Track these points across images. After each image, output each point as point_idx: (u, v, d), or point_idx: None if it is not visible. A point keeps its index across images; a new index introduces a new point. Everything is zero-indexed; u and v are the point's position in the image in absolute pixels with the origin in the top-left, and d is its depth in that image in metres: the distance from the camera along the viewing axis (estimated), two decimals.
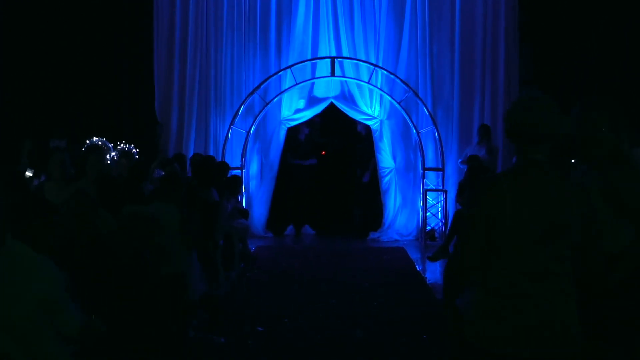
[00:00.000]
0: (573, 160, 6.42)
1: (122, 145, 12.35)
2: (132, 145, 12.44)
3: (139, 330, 5.95)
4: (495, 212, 3.45)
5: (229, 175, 11.91)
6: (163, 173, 10.27)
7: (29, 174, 10.32)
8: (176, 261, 7.01)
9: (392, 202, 14.21)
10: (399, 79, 13.81)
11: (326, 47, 14.18)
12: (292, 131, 14.53)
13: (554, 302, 3.48)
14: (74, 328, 4.43)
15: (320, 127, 15.51)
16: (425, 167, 13.85)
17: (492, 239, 3.49)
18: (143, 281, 6.16)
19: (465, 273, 3.61)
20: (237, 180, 12.04)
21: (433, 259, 11.08)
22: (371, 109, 14.09)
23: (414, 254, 12.65)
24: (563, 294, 3.50)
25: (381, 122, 14.12)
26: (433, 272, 11.20)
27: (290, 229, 14.77)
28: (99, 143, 12.03)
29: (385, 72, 13.86)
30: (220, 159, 13.52)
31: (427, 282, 10.41)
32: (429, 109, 13.80)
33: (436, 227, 13.94)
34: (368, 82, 13.79)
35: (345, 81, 14.08)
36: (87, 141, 12.19)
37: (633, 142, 4.38)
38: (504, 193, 3.45)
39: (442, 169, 13.81)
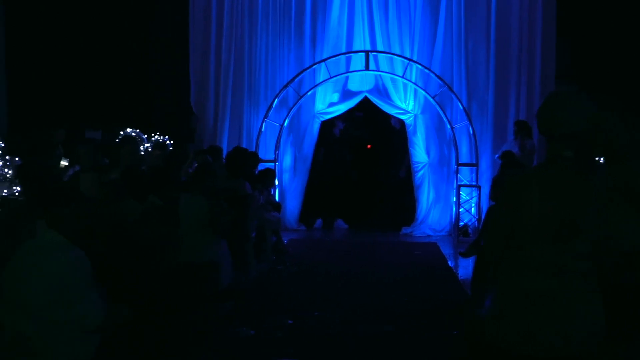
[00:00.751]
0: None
1: (155, 136, 12.41)
2: (167, 136, 12.49)
3: (165, 319, 5.97)
4: (521, 207, 3.42)
5: (262, 168, 11.94)
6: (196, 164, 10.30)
7: (64, 163, 10.40)
8: (205, 251, 7.02)
9: (425, 197, 14.16)
10: (434, 73, 13.73)
11: (361, 41, 14.13)
12: (328, 126, 14.53)
13: (574, 299, 3.43)
14: (95, 319, 4.46)
15: (362, 122, 15.51)
16: (459, 162, 13.76)
17: (515, 234, 3.46)
18: (163, 270, 6.19)
19: (487, 268, 3.59)
20: (271, 173, 12.05)
21: (465, 255, 10.91)
22: (405, 103, 14.03)
23: (446, 250, 12.59)
24: (583, 292, 3.46)
25: (415, 116, 14.05)
26: (465, 267, 11.11)
27: (320, 223, 14.76)
28: (133, 134, 12.10)
29: (419, 66, 13.79)
30: (254, 152, 13.55)
31: (459, 278, 10.34)
32: (464, 104, 13.71)
33: (469, 223, 13.85)
34: (402, 77, 13.73)
35: (380, 75, 14.03)
36: (121, 132, 12.27)
37: None
38: (531, 188, 3.42)
39: (476, 165, 13.72)
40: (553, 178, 3.46)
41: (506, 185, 3.57)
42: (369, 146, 15.49)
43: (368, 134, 15.67)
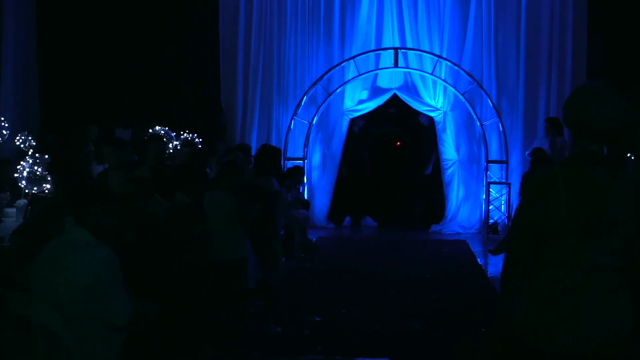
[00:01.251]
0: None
1: (185, 134, 12.47)
2: (195, 134, 12.55)
3: (194, 316, 6.00)
4: (548, 203, 3.36)
5: (290, 166, 11.94)
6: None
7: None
8: (232, 248, 7.03)
9: (455, 194, 14.09)
10: (463, 70, 13.65)
11: (390, 38, 14.09)
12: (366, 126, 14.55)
13: (603, 297, 3.37)
14: (123, 318, 4.50)
15: (395, 119, 15.47)
16: (489, 159, 13.67)
17: (542, 230, 3.41)
18: (191, 267, 6.21)
19: (516, 265, 3.55)
20: (299, 171, 12.04)
21: (495, 252, 10.88)
22: (434, 100, 13.96)
23: (475, 247, 12.52)
24: (613, 290, 3.39)
25: (444, 113, 13.99)
26: (495, 265, 11.04)
27: (348, 220, 14.75)
28: (161, 132, 12.17)
29: (449, 63, 13.71)
30: (282, 149, 13.57)
31: (488, 275, 10.28)
32: (493, 101, 13.62)
33: (499, 221, 13.75)
34: (431, 74, 13.67)
35: (409, 72, 13.98)
36: (150, 130, 12.34)
37: None
38: (558, 184, 3.36)
39: (506, 162, 13.62)
40: (581, 173, 3.40)
41: (532, 180, 3.51)
42: (398, 143, 15.46)
43: (399, 131, 15.62)
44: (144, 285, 5.11)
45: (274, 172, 10.14)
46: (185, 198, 6.53)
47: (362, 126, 14.77)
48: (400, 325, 7.69)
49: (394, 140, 15.70)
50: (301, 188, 13.37)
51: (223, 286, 6.82)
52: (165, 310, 5.18)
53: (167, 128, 12.37)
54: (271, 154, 10.08)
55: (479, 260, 11.44)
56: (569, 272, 3.36)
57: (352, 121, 14.46)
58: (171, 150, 11.70)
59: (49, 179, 8.68)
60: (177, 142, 12.17)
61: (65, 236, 4.62)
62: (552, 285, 3.39)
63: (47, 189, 8.55)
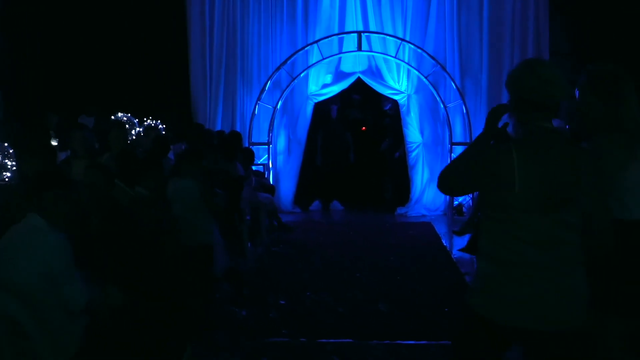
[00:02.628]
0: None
1: (148, 120, 12.40)
2: (159, 120, 12.48)
3: (162, 302, 5.99)
4: (506, 179, 3.39)
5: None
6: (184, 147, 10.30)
7: (54, 143, 10.41)
8: (199, 234, 7.03)
9: (420, 177, 14.14)
10: (427, 53, 13.69)
11: (353, 22, 14.08)
12: (324, 108, 14.53)
13: (562, 271, 3.43)
14: (78, 302, 4.50)
15: (359, 104, 15.49)
16: (453, 141, 13.74)
17: (498, 206, 3.45)
18: (162, 253, 6.20)
19: (444, 181, 3.68)
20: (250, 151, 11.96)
21: (459, 233, 10.96)
22: (398, 83, 13.98)
23: (441, 229, 12.60)
24: (571, 264, 3.45)
25: (408, 96, 14.01)
26: (459, 246, 11.10)
27: (317, 205, 14.77)
28: (124, 119, 12.09)
29: (412, 46, 13.74)
30: (247, 134, 13.56)
31: (453, 257, 10.36)
32: (457, 84, 13.68)
33: (464, 202, 13.85)
34: (395, 57, 13.69)
35: (373, 56, 13.99)
36: (112, 117, 12.26)
37: None
38: (513, 160, 3.39)
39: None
40: (539, 149, 3.43)
41: (487, 158, 3.53)
42: (363, 128, 15.48)
43: (365, 116, 15.64)
44: (109, 271, 5.10)
45: (237, 156, 10.17)
46: (144, 191, 6.49)
47: (337, 110, 14.76)
48: (365, 307, 7.75)
49: (360, 126, 15.70)
50: (266, 173, 13.40)
51: (191, 272, 6.81)
52: (133, 297, 5.18)
53: (129, 114, 12.28)
54: (234, 139, 10.09)
55: (444, 241, 11.52)
56: (527, 247, 3.40)
57: (327, 106, 14.46)
58: (134, 137, 11.64)
59: (9, 167, 8.61)
60: (140, 129, 12.09)
61: (22, 223, 4.61)
62: (510, 260, 3.43)
63: (7, 177, 8.48)
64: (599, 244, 3.60)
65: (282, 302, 7.91)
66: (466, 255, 10.42)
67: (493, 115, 3.73)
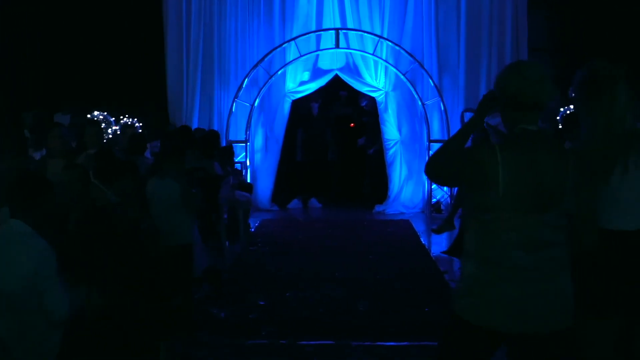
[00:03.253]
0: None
1: (124, 119, 12.30)
2: (135, 119, 12.37)
3: (142, 304, 5.93)
4: (491, 180, 3.36)
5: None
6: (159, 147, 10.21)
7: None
8: (179, 234, 6.96)
9: (398, 174, 14.11)
10: (404, 50, 13.66)
11: (330, 19, 14.03)
12: (303, 106, 14.48)
13: (549, 273, 3.41)
14: (60, 312, 4.41)
15: (345, 101, 15.41)
16: (431, 138, 13.75)
17: (483, 207, 3.42)
18: (142, 254, 6.13)
19: (431, 169, 3.66)
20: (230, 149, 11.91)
21: (438, 231, 10.93)
22: (376, 80, 13.96)
23: (419, 227, 12.59)
24: (558, 265, 3.44)
25: (386, 93, 13.99)
26: (438, 244, 11.14)
27: (295, 203, 14.72)
28: (100, 117, 11.97)
29: (390, 43, 13.72)
30: (224, 132, 13.48)
31: (432, 255, 10.35)
32: (435, 81, 13.68)
33: (442, 200, 13.87)
34: (373, 54, 13.67)
35: (350, 53, 13.95)
36: (88, 115, 12.13)
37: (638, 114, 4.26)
38: (498, 160, 3.36)
39: None
40: (523, 150, 3.40)
41: (474, 155, 3.48)
42: (352, 125, 15.40)
43: (352, 112, 15.57)
44: (87, 273, 5.03)
45: (215, 155, 10.11)
46: (115, 196, 6.42)
47: (318, 107, 14.70)
48: (345, 307, 7.72)
49: (347, 122, 15.64)
50: (244, 171, 13.33)
51: (170, 273, 6.74)
52: (112, 298, 5.11)
53: (105, 113, 12.16)
54: (213, 138, 10.04)
55: (422, 239, 11.51)
56: (513, 249, 3.38)
57: (308, 103, 14.40)
58: (111, 136, 11.54)
59: None
60: (117, 127, 11.99)
61: (3, 229, 4.50)
62: (495, 262, 3.40)
63: None
64: (583, 246, 3.59)
65: (262, 302, 7.86)
66: (443, 255, 10.43)
67: (486, 100, 3.69)
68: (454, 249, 9.94)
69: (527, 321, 3.39)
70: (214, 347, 6.48)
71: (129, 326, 5.55)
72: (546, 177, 3.38)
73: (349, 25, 13.91)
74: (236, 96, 13.82)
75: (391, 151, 14.05)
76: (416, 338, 6.68)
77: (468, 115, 12.27)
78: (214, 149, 9.92)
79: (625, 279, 3.97)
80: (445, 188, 13.70)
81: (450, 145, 3.63)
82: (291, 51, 13.89)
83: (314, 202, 14.82)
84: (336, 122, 15.29)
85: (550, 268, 3.42)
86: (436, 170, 3.66)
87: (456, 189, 12.71)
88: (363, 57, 13.89)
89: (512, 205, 3.36)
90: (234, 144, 13.14)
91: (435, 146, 13.57)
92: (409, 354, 6.32)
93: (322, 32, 13.92)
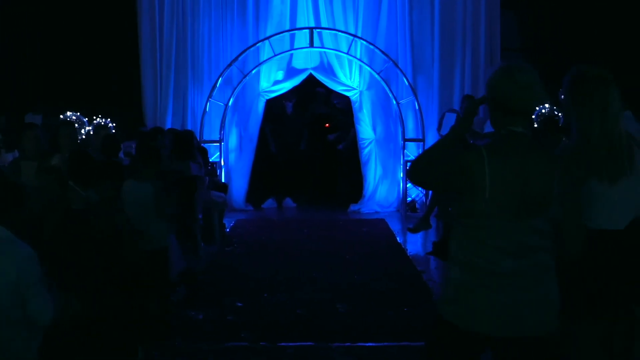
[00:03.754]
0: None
1: (97, 119, 12.17)
2: (109, 119, 12.25)
3: (119, 308, 5.86)
4: (474, 183, 3.34)
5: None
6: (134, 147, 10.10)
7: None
8: (156, 238, 6.90)
9: (373, 173, 14.11)
10: (379, 49, 13.66)
11: (305, 18, 14.00)
12: (277, 107, 14.41)
13: (535, 278, 3.40)
14: (46, 316, 4.35)
15: (325, 98, 15.32)
16: (406, 137, 13.75)
17: (469, 212, 3.40)
18: (120, 258, 6.06)
19: (415, 174, 3.64)
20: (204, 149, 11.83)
21: (414, 230, 10.94)
22: (351, 79, 13.94)
23: (394, 226, 12.59)
24: (544, 270, 3.43)
25: (361, 93, 13.97)
26: (414, 243, 11.16)
27: (270, 202, 14.67)
28: (73, 117, 11.83)
29: (364, 42, 13.71)
30: (198, 132, 13.39)
31: (408, 254, 10.34)
32: (409, 80, 13.68)
33: (417, 199, 13.88)
34: (347, 53, 13.65)
35: (324, 52, 13.92)
36: (61, 116, 11.98)
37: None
38: (484, 165, 3.34)
39: (423, 140, 13.72)
40: (510, 154, 3.38)
41: (459, 160, 3.43)
42: (327, 125, 15.33)
43: (330, 110, 15.50)
44: (65, 278, 4.95)
45: (191, 156, 10.03)
46: (95, 196, 6.34)
47: (293, 106, 14.63)
48: (324, 308, 7.69)
49: (324, 121, 15.57)
50: (218, 171, 13.25)
51: (147, 277, 6.67)
52: (89, 304, 5.04)
53: (78, 113, 12.01)
54: (188, 138, 9.96)
55: (398, 238, 11.51)
56: (498, 254, 3.36)
57: (282, 102, 14.33)
58: (84, 136, 11.41)
59: None
60: (90, 128, 11.85)
61: None
62: (481, 268, 3.39)
63: None
64: (568, 251, 3.59)
65: (239, 304, 7.80)
66: (421, 253, 10.45)
67: (471, 108, 3.66)
68: (438, 250, 9.97)
69: (512, 325, 3.39)
70: (192, 351, 6.42)
71: (106, 332, 5.50)
72: (533, 182, 3.36)
73: (323, 25, 13.89)
74: (210, 95, 13.73)
75: (366, 150, 14.04)
76: (396, 338, 6.68)
77: (449, 116, 12.34)
78: (189, 149, 9.84)
79: (616, 278, 3.99)
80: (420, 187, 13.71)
81: (435, 151, 3.59)
82: (265, 50, 13.83)
83: (288, 202, 14.77)
84: (313, 121, 15.16)
85: (536, 273, 3.40)
86: (420, 175, 3.64)
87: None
88: (337, 57, 13.87)
89: (498, 210, 3.34)
90: (208, 144, 13.06)
91: (411, 145, 13.62)
92: (389, 354, 6.30)
93: (296, 32, 13.88)
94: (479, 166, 3.34)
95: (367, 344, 6.54)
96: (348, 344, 6.54)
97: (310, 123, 15.02)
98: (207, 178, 10.85)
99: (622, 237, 4.02)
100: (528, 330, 3.41)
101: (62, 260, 5.17)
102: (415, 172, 3.62)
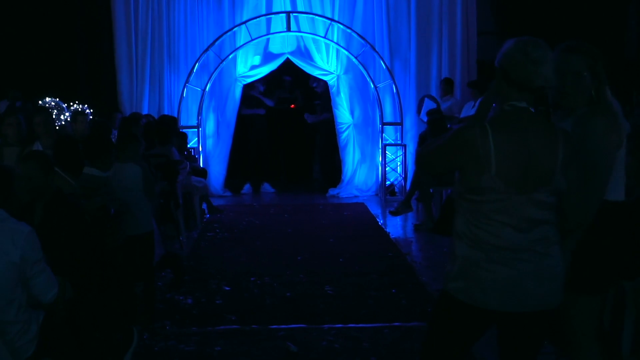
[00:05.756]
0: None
1: (75, 105, 12.03)
2: (86, 105, 12.12)
3: (106, 293, 5.81)
4: (480, 158, 3.33)
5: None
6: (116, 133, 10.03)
7: None
8: (142, 222, 6.84)
9: (351, 157, 14.10)
10: (356, 32, 13.62)
11: (281, 2, 13.93)
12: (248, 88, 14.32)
13: (541, 252, 3.40)
14: (50, 294, 4.33)
15: (290, 85, 15.31)
16: (384, 121, 13.75)
17: (474, 188, 3.39)
18: (107, 242, 6.01)
19: (423, 160, 3.72)
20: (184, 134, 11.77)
21: (395, 213, 11.00)
22: (328, 64, 13.90)
23: (375, 209, 12.60)
24: (549, 244, 3.43)
25: (338, 77, 13.94)
26: (394, 226, 11.18)
27: (248, 188, 14.62)
28: (52, 103, 11.69)
29: (341, 26, 13.67)
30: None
31: (391, 237, 10.35)
32: (386, 63, 13.67)
33: (395, 182, 13.90)
34: (324, 37, 13.60)
35: (301, 36, 13.86)
36: (40, 102, 11.84)
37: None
38: (489, 141, 3.33)
39: (401, 123, 13.74)
40: (515, 129, 3.38)
41: (465, 136, 3.43)
42: (292, 106, 15.31)
43: (295, 97, 15.48)
44: (57, 262, 4.89)
45: (172, 140, 9.96)
46: (95, 171, 6.25)
47: (262, 91, 14.55)
48: (312, 291, 7.68)
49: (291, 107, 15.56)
50: (196, 156, 13.18)
51: (134, 261, 6.62)
52: (79, 288, 4.99)
53: (57, 99, 11.87)
54: (171, 123, 9.89)
55: (379, 221, 11.52)
56: (506, 229, 3.37)
57: (248, 87, 14.25)
58: (63, 122, 11.27)
59: None
60: (68, 113, 11.71)
61: None
62: (487, 243, 3.39)
63: None
64: (573, 222, 3.60)
65: (227, 288, 7.78)
66: (403, 236, 10.47)
67: (484, 105, 3.65)
68: (439, 226, 10.01)
69: (519, 300, 3.40)
70: (184, 334, 6.38)
71: (93, 316, 5.45)
72: (537, 156, 3.36)
73: (300, 9, 13.83)
74: (187, 81, 13.63)
75: (344, 135, 14.03)
76: (386, 319, 6.69)
77: (427, 102, 12.36)
78: (171, 134, 9.77)
79: (624, 252, 4.02)
80: (399, 170, 13.74)
81: (426, 152, 3.67)
82: (242, 35, 13.75)
83: (266, 187, 14.73)
84: (278, 105, 15.09)
85: (542, 247, 3.41)
86: (428, 162, 3.69)
87: (410, 171, 12.80)
88: (314, 41, 13.82)
89: (503, 185, 3.34)
90: (185, 129, 12.98)
91: (389, 129, 13.63)
92: (381, 335, 6.30)
93: (272, 16, 13.81)
94: (484, 141, 3.33)
95: (359, 325, 6.55)
96: (339, 325, 6.54)
97: (276, 107, 14.93)
98: (188, 163, 10.77)
99: (631, 210, 4.05)
100: (534, 304, 3.43)
101: (53, 244, 5.11)
102: (422, 158, 3.71)
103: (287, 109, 15.18)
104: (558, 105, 4.04)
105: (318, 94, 14.64)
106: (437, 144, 3.58)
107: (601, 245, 3.95)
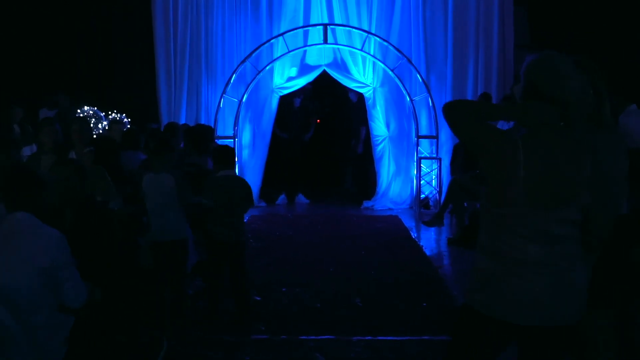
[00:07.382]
0: None
1: (112, 114, 12.17)
2: (124, 114, 12.26)
3: (137, 298, 5.88)
4: (508, 171, 3.32)
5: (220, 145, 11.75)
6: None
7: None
8: (174, 229, 6.90)
9: (386, 170, 14.10)
10: (392, 45, 13.64)
11: (318, 14, 13.99)
12: (286, 104, 14.39)
13: (564, 267, 3.38)
14: (80, 298, 4.37)
15: (311, 93, 15.36)
16: (419, 134, 13.74)
17: (501, 201, 3.37)
18: (138, 248, 6.08)
19: (454, 112, 3.47)
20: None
21: (428, 223, 10.95)
22: (364, 76, 13.94)
23: (408, 222, 12.57)
24: (572, 259, 3.41)
25: (374, 89, 13.96)
26: (428, 239, 11.14)
27: (283, 198, 14.67)
28: (90, 112, 11.84)
29: (378, 39, 13.69)
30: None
31: (424, 250, 10.32)
32: (423, 76, 13.66)
33: (430, 196, 13.87)
34: (361, 50, 13.63)
35: (338, 49, 13.91)
36: (79, 110, 12.00)
37: (618, 107, 4.28)
38: (519, 155, 3.32)
39: (436, 137, 13.71)
40: (541, 144, 3.37)
41: (499, 142, 3.37)
42: (318, 120, 15.36)
43: (327, 108, 15.54)
44: (86, 267, 4.96)
45: (208, 151, 10.02)
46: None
47: (299, 106, 14.62)
48: (342, 303, 7.68)
49: (323, 117, 15.60)
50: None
51: (165, 269, 6.69)
52: (109, 293, 5.05)
53: (95, 108, 12.03)
54: (207, 133, 9.96)
55: (412, 234, 11.49)
56: (529, 244, 3.34)
57: (291, 101, 14.33)
58: (101, 131, 11.40)
59: None
60: (106, 122, 11.85)
61: (8, 223, 4.39)
62: (510, 257, 3.37)
63: None
64: (596, 239, 3.57)
65: (257, 297, 7.81)
66: (436, 250, 10.43)
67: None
68: (462, 239, 10.03)
69: (539, 314, 3.38)
70: (214, 342, 6.42)
71: (123, 322, 5.52)
72: (565, 171, 3.34)
73: (337, 21, 13.88)
74: (224, 92, 13.73)
75: (379, 147, 14.04)
76: (414, 333, 6.68)
77: None
78: (206, 144, 9.82)
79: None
80: (433, 184, 13.70)
81: (485, 107, 3.55)
82: (279, 47, 13.83)
83: (301, 198, 14.77)
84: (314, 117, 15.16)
85: (565, 262, 3.39)
86: (459, 116, 3.45)
87: (445, 184, 12.74)
88: (351, 53, 13.87)
89: (530, 200, 3.32)
90: (221, 140, 13.06)
91: (424, 142, 13.63)
92: (409, 348, 6.29)
93: (309, 28, 13.88)
94: (514, 155, 3.31)
95: (388, 338, 6.54)
96: (369, 337, 6.54)
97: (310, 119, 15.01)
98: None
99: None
100: (556, 319, 3.40)
101: (83, 249, 5.18)
102: (454, 110, 3.46)
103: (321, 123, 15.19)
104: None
105: (354, 106, 14.67)
106: (487, 112, 3.52)
107: (617, 258, 3.93)
